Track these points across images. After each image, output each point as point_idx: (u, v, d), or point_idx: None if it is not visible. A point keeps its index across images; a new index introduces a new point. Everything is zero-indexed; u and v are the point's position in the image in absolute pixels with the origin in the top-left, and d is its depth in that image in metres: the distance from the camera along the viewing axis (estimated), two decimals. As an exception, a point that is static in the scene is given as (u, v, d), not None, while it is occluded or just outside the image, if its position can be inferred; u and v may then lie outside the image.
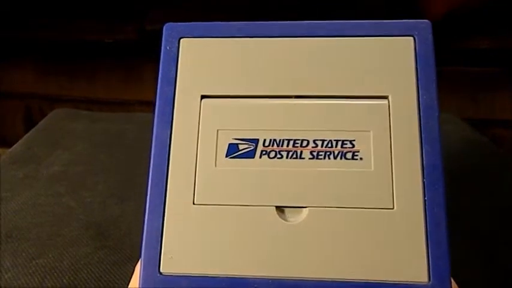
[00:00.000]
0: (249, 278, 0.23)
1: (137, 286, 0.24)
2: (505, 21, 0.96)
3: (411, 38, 0.25)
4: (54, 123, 0.61)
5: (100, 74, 1.11)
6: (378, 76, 0.25)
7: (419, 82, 0.25)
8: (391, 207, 0.23)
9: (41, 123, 0.61)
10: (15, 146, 0.55)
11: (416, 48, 0.25)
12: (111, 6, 1.05)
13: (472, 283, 0.37)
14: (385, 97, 0.25)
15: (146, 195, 0.24)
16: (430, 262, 0.22)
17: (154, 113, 0.26)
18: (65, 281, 0.36)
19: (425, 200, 0.23)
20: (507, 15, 0.95)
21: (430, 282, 0.22)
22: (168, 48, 0.26)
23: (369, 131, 0.24)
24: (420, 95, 0.24)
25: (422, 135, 0.24)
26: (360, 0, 0.98)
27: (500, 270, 0.39)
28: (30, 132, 0.59)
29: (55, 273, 0.37)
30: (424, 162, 0.23)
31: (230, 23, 0.27)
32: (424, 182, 0.23)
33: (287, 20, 0.27)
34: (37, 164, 0.51)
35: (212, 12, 1.01)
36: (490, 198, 0.47)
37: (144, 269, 0.23)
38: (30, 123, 1.02)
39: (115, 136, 0.58)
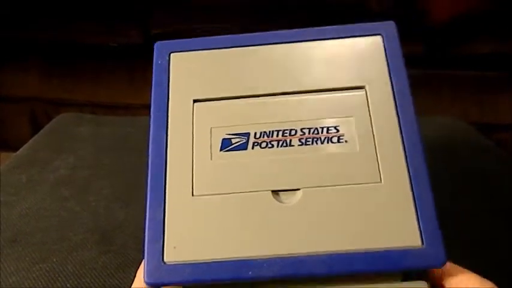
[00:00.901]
0: (252, 259, 0.23)
1: (140, 287, 0.24)
2: (508, 25, 0.96)
3: (379, 36, 0.28)
4: (60, 128, 0.61)
5: (105, 78, 1.11)
6: (353, 70, 0.28)
7: (391, 72, 0.27)
8: (379, 180, 0.25)
9: (46, 127, 0.61)
10: (20, 150, 0.55)
11: (385, 44, 0.28)
12: (116, 8, 1.05)
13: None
14: (362, 87, 0.27)
15: (146, 191, 0.25)
16: (421, 227, 0.24)
17: (149, 119, 0.27)
18: (68, 285, 0.36)
19: (409, 172, 0.25)
20: (511, 20, 0.95)
21: (424, 246, 0.23)
22: (159, 62, 0.29)
23: (351, 117, 0.26)
24: (393, 83, 0.27)
25: (400, 117, 0.26)
26: (364, 7, 0.98)
27: (500, 271, 0.38)
28: (36, 136, 0.59)
29: (59, 278, 0.37)
30: (404, 139, 0.25)
31: (214, 37, 0.29)
32: (406, 156, 0.25)
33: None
34: (42, 168, 0.51)
35: (214, 14, 1.01)
36: (494, 201, 0.47)
37: (148, 260, 0.24)
38: (35, 126, 1.02)
39: (120, 140, 0.58)
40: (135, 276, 0.27)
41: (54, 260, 0.39)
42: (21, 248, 0.40)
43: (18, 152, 0.55)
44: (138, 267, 0.26)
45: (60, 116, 0.64)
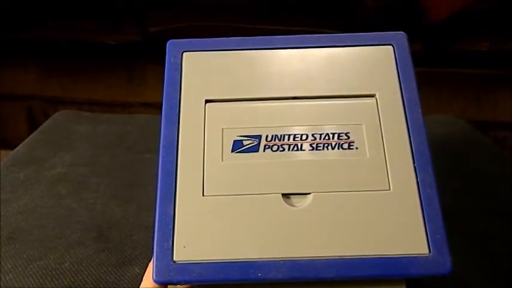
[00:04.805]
0: (261, 261, 0.24)
1: (149, 286, 0.24)
2: (507, 23, 0.96)
3: (390, 46, 0.29)
4: (57, 125, 0.61)
5: (103, 76, 1.11)
6: (364, 78, 0.28)
7: (401, 82, 0.28)
8: (388, 188, 0.25)
9: (44, 125, 0.61)
10: (17, 148, 0.55)
11: (396, 54, 0.29)
12: (114, 7, 1.05)
13: (471, 283, 0.37)
14: (373, 95, 0.28)
15: (157, 190, 0.25)
16: (429, 236, 0.24)
17: (161, 117, 0.27)
18: (65, 282, 0.36)
19: (417, 182, 0.25)
20: (509, 18, 0.95)
21: (431, 254, 0.24)
22: (172, 60, 0.29)
23: (361, 124, 0.27)
24: (403, 92, 0.27)
25: (409, 126, 0.27)
26: (363, 6, 0.98)
27: (500, 271, 0.39)
28: (33, 134, 0.59)
29: (56, 275, 0.37)
30: (413, 148, 0.26)
31: (227, 38, 0.29)
32: (415, 166, 0.26)
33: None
34: (39, 166, 0.51)
35: (212, 12, 1.01)
36: (491, 199, 0.47)
37: (158, 259, 0.24)
38: (33, 124, 1.02)
39: (117, 138, 0.58)
40: (141, 278, 0.27)
41: (51, 257, 0.39)
42: (18, 246, 0.40)
43: (15, 150, 0.55)
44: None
45: (58, 113, 0.64)
